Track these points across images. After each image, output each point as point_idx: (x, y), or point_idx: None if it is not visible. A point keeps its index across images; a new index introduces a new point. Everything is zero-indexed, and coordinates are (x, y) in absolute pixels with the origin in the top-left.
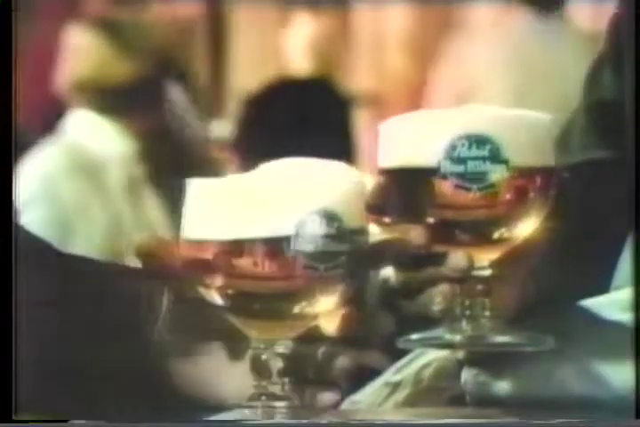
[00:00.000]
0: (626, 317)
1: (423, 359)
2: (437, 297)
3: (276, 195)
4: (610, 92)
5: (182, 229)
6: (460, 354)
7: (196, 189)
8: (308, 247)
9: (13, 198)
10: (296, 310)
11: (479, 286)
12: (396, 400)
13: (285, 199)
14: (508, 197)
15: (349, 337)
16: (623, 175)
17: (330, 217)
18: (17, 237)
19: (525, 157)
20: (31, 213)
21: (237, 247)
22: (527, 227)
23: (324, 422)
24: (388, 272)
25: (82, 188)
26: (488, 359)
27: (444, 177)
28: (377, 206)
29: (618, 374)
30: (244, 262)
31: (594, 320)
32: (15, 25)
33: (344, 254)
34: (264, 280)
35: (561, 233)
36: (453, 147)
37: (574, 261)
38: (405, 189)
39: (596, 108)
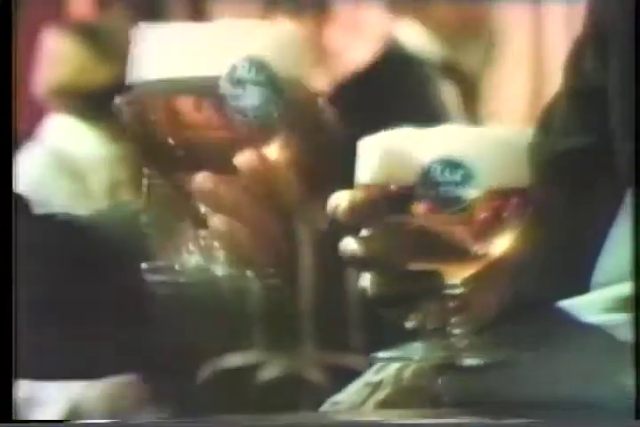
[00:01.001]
0: (604, 318)
1: None
2: (412, 314)
3: (211, 39)
4: (592, 75)
5: (129, 73)
6: None
7: (144, 32)
8: (237, 92)
9: (13, 198)
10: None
11: (452, 304)
12: (377, 400)
13: (219, 44)
14: (482, 217)
15: None
16: (608, 165)
17: (259, 64)
18: (16, 237)
19: (500, 178)
20: None
21: (176, 89)
22: (502, 244)
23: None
24: (365, 284)
25: (65, 192)
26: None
27: (418, 200)
28: (353, 220)
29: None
30: (185, 106)
31: (574, 324)
32: (15, 25)
33: (274, 102)
34: (205, 129)
35: (539, 241)
36: (427, 171)
37: (552, 266)
38: (381, 206)
39: (578, 92)
